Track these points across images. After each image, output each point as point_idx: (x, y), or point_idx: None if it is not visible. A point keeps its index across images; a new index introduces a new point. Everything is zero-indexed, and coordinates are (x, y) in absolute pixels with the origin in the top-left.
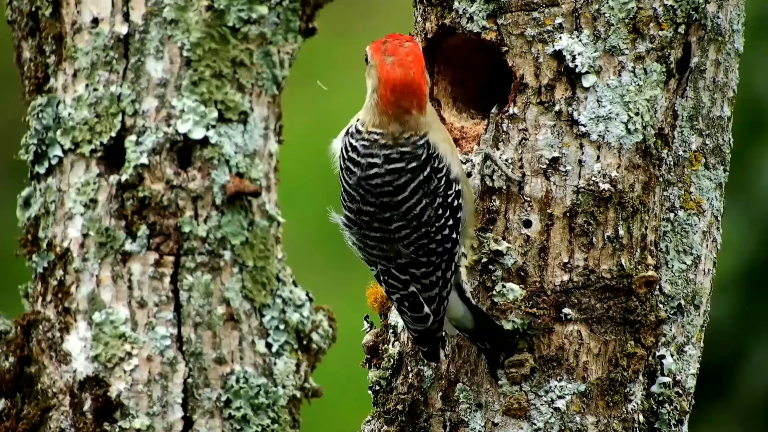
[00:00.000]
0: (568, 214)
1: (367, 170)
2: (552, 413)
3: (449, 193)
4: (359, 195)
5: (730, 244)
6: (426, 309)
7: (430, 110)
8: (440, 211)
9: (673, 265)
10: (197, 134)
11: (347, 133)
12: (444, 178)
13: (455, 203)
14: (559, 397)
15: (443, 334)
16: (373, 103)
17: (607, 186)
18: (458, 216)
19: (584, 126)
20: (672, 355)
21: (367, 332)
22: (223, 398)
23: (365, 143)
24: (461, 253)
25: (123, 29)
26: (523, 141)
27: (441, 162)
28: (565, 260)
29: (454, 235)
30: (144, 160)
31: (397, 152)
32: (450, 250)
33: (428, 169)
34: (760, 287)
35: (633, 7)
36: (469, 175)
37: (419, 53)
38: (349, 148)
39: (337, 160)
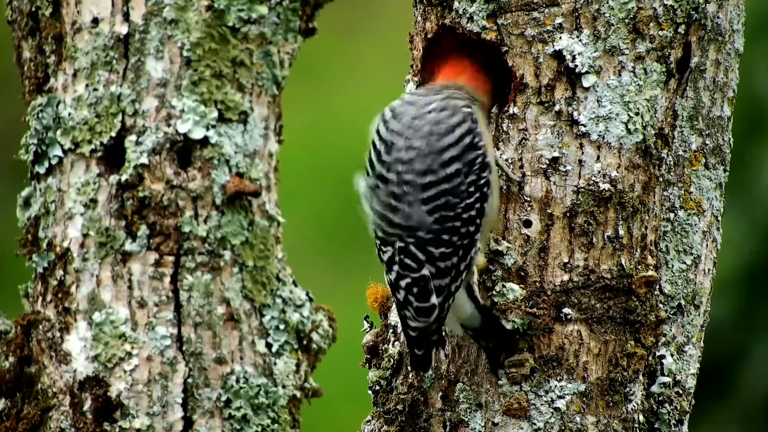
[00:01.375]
0: (568, 214)
1: (424, 107)
2: (552, 413)
3: (483, 175)
4: (404, 138)
5: (730, 244)
6: (433, 299)
7: (476, 101)
8: (471, 189)
9: (673, 265)
10: (197, 134)
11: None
12: (480, 158)
13: (485, 189)
14: (559, 397)
15: (443, 333)
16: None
17: (607, 186)
18: (485, 205)
19: (584, 126)
20: (672, 355)
21: (367, 332)
22: (223, 398)
23: (423, 91)
24: (477, 247)
25: (123, 29)
26: (523, 141)
27: (480, 140)
28: (565, 260)
29: (478, 221)
30: (144, 160)
31: (452, 100)
32: (471, 235)
33: (470, 138)
34: (760, 287)
35: (633, 7)
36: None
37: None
38: (406, 97)
39: (377, 121)
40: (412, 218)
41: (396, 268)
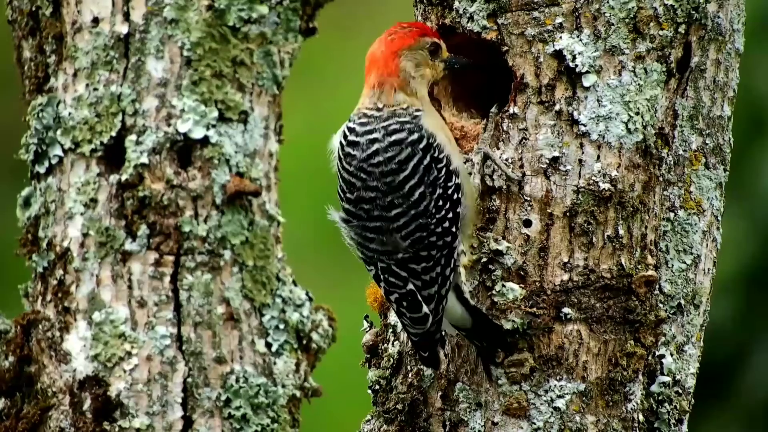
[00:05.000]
0: (568, 214)
1: (368, 148)
2: (552, 413)
3: (449, 185)
4: (360, 180)
5: (730, 244)
6: (425, 308)
7: (421, 99)
8: (440, 203)
9: (673, 265)
10: (197, 134)
11: (345, 125)
12: (444, 169)
13: (455, 196)
14: (559, 397)
15: (443, 334)
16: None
17: (607, 185)
18: (458, 210)
19: (584, 125)
20: (672, 355)
21: (367, 332)
22: (223, 398)
23: (364, 120)
24: (460, 250)
25: (123, 29)
26: (524, 140)
27: (441, 152)
28: (565, 260)
29: (453, 229)
30: (144, 159)
31: (396, 122)
32: (450, 244)
33: (428, 159)
34: (760, 287)
35: (633, 7)
36: (469, 174)
37: (404, 36)
38: (348, 133)
39: (335, 154)
40: (387, 244)
41: (383, 284)
